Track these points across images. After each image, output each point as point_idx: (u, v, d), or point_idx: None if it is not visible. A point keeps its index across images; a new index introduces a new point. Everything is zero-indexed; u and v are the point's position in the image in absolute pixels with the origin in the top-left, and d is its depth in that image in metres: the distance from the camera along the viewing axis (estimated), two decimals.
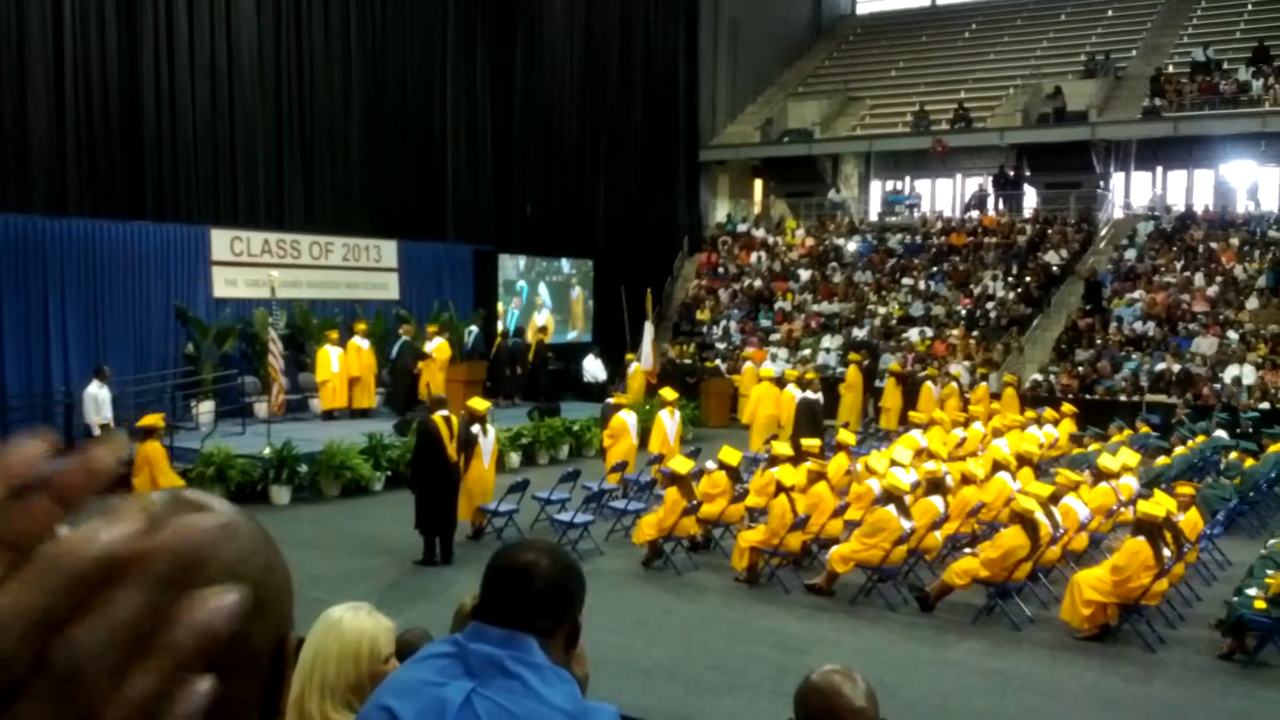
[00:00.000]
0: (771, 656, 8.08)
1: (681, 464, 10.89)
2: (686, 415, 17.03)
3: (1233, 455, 15.00)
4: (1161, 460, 14.59)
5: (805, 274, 26.77)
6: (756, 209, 31.12)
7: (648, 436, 14.20)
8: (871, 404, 20.77)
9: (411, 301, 20.50)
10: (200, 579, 0.55)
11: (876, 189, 31.20)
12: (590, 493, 12.21)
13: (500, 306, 22.41)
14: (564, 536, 10.89)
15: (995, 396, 19.63)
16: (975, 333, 22.95)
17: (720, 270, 28.08)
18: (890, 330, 23.94)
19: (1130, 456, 12.51)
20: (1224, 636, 8.40)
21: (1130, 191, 27.38)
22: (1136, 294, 22.48)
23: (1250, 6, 27.93)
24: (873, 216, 29.51)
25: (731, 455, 11.48)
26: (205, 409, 16.43)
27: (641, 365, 20.68)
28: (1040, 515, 9.20)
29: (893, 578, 9.73)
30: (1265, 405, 18.54)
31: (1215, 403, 18.67)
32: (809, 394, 16.63)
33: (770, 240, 28.61)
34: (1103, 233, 25.51)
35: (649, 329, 21.31)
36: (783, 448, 12.06)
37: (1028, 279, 24.00)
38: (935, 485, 10.42)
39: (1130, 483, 11.76)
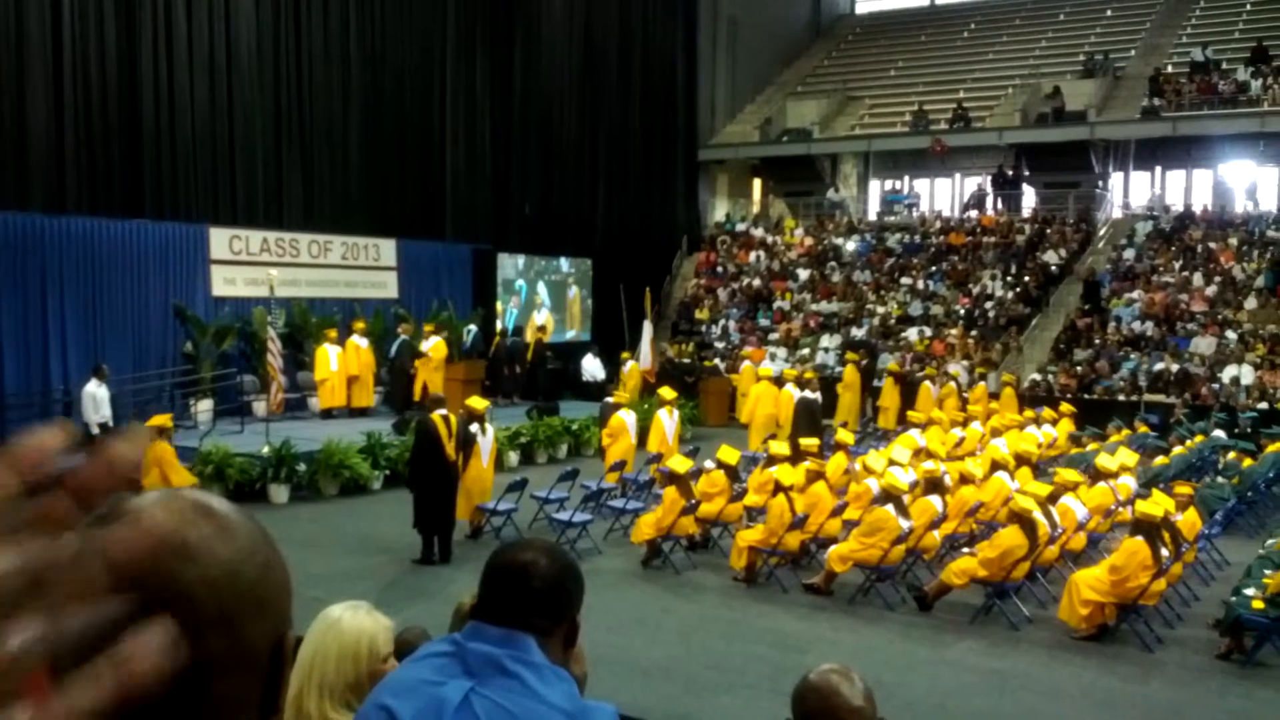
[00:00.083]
0: (770, 656, 8.08)
1: (680, 463, 10.90)
2: (685, 414, 17.02)
3: (1231, 455, 14.99)
4: (1160, 460, 14.61)
5: (804, 273, 26.77)
6: (755, 208, 31.11)
7: (646, 436, 14.21)
8: (870, 403, 20.77)
9: (410, 300, 20.48)
10: (174, 585, 0.53)
11: (875, 188, 31.21)
12: (589, 492, 12.23)
13: (499, 306, 22.40)
14: (562, 535, 10.89)
15: (994, 396, 19.64)
16: (974, 332, 22.95)
17: (719, 269, 28.08)
18: (889, 330, 23.94)
19: (1128, 456, 12.51)
20: (1222, 636, 8.41)
21: (1129, 191, 27.39)
22: (1135, 294, 22.49)
23: (1249, 6, 27.93)
24: (871, 216, 29.52)
25: (730, 454, 11.50)
26: (204, 408, 16.44)
27: (640, 364, 20.66)
28: (1038, 515, 9.21)
29: (891, 577, 9.73)
30: (1263, 405, 18.54)
31: (1213, 403, 18.67)
32: (807, 393, 16.65)
33: (769, 240, 28.61)
34: (1101, 232, 25.52)
35: (648, 328, 21.28)
36: (781, 447, 12.07)
37: (1026, 279, 24.00)
38: (933, 485, 10.42)
39: (1128, 482, 11.76)
